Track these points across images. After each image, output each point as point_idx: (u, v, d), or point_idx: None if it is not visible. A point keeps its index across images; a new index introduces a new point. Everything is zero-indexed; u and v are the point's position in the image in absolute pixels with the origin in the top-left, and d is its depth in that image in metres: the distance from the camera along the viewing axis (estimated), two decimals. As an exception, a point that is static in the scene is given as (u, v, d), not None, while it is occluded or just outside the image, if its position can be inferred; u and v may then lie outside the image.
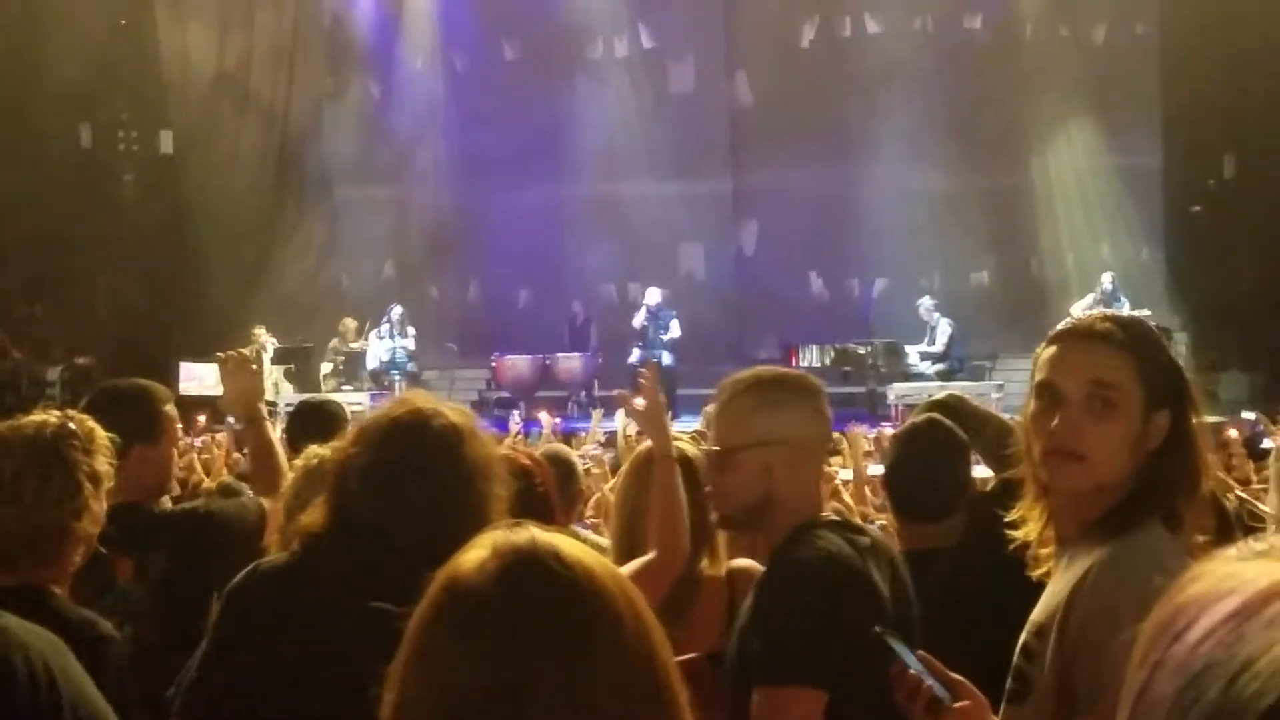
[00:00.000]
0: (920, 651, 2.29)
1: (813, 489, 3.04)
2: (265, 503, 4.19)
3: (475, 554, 1.55)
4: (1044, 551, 2.48)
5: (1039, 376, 2.48)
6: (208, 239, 20.73)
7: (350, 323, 19.56)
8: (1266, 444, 10.62)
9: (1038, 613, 2.41)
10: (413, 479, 2.70)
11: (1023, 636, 2.42)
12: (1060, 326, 2.54)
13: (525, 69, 22.17)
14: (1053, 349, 2.48)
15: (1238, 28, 19.06)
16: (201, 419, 11.97)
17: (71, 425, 3.04)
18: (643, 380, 3.71)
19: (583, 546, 1.59)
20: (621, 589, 1.56)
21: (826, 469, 8.44)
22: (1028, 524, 2.52)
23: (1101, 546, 2.34)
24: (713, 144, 21.83)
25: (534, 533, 1.57)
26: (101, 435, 3.09)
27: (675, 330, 18.66)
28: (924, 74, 20.70)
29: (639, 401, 3.66)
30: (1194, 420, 2.43)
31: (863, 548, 2.83)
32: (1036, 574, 2.48)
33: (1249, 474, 8.61)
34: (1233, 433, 10.17)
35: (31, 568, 2.91)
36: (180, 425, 4.47)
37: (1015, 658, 2.43)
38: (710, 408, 3.61)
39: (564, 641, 1.48)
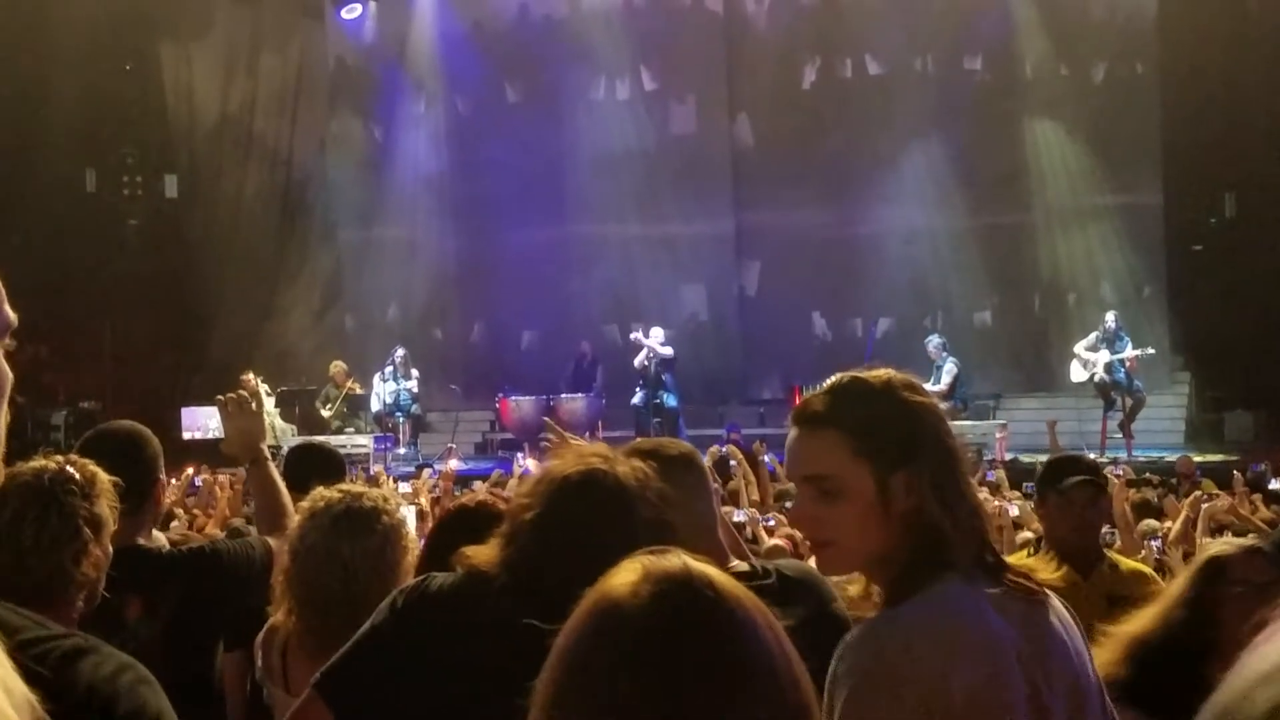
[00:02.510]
0: None
1: (702, 541, 3.02)
2: (271, 542, 4.19)
3: (627, 578, 1.55)
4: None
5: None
6: (212, 282, 20.82)
7: (339, 365, 19.43)
8: (1275, 485, 10.69)
9: None
10: (577, 539, 2.69)
11: None
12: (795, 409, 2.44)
13: (528, 111, 22.25)
14: (788, 435, 2.42)
15: (1237, 67, 19.16)
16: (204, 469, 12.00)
17: (71, 470, 3.00)
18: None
19: (730, 578, 1.59)
20: (769, 623, 1.56)
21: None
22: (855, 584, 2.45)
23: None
24: (715, 185, 21.86)
25: (685, 559, 1.58)
26: (104, 479, 3.05)
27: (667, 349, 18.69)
28: (925, 114, 20.80)
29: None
30: (934, 468, 2.30)
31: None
32: None
33: (1256, 503, 8.68)
34: (1236, 473, 10.22)
35: (34, 609, 2.88)
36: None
37: None
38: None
39: (717, 672, 1.49)
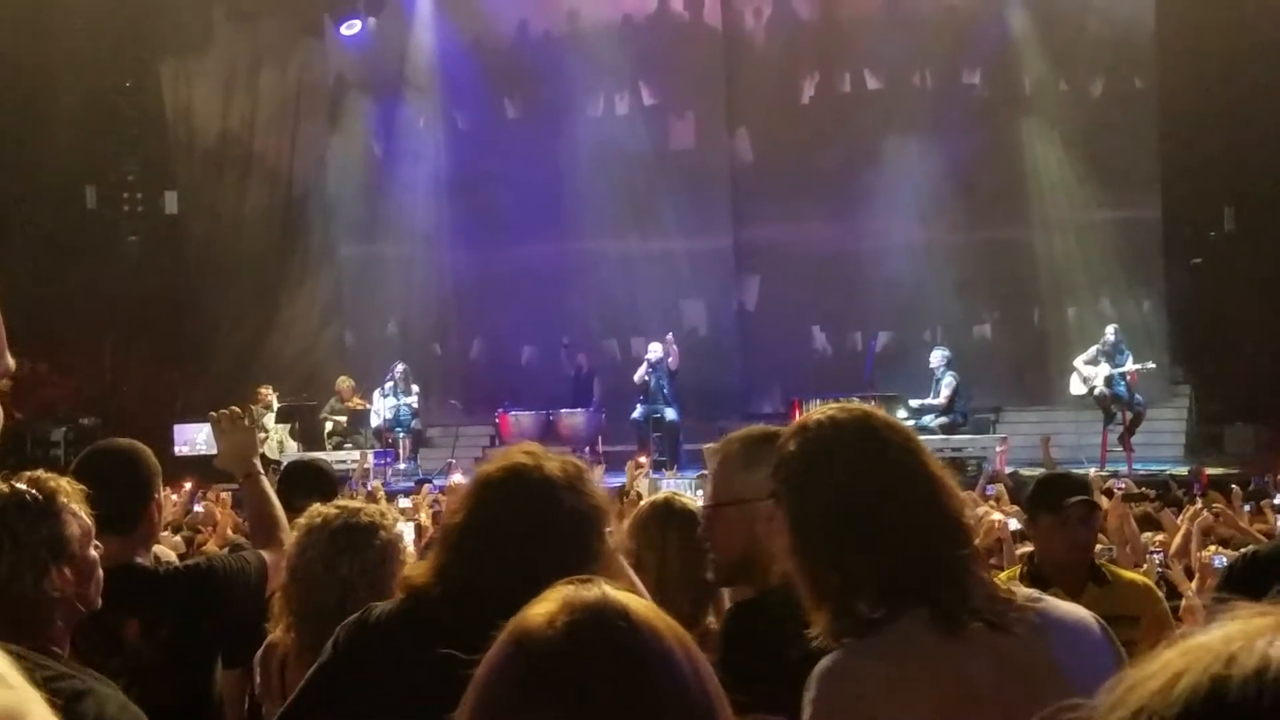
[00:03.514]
0: None
1: None
2: (265, 555, 4.18)
3: (545, 607, 1.56)
4: None
5: None
6: (212, 298, 20.85)
7: (346, 381, 19.51)
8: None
9: None
10: (505, 536, 2.71)
11: None
12: None
13: (527, 127, 22.29)
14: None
15: (1236, 81, 19.17)
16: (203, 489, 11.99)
17: (25, 490, 2.93)
18: None
19: (652, 606, 1.59)
20: (687, 653, 1.55)
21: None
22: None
23: None
24: (714, 199, 21.87)
25: (605, 589, 1.57)
26: (67, 490, 2.99)
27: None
28: (924, 129, 20.84)
29: None
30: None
31: None
32: None
33: (1266, 511, 8.68)
34: (1233, 486, 10.19)
35: (17, 637, 2.74)
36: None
37: None
38: (709, 446, 3.70)
39: (627, 702, 1.48)
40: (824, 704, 2.22)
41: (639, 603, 1.58)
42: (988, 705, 2.23)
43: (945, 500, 2.39)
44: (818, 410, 2.48)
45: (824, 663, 2.26)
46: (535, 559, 2.65)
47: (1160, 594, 5.19)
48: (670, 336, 18.82)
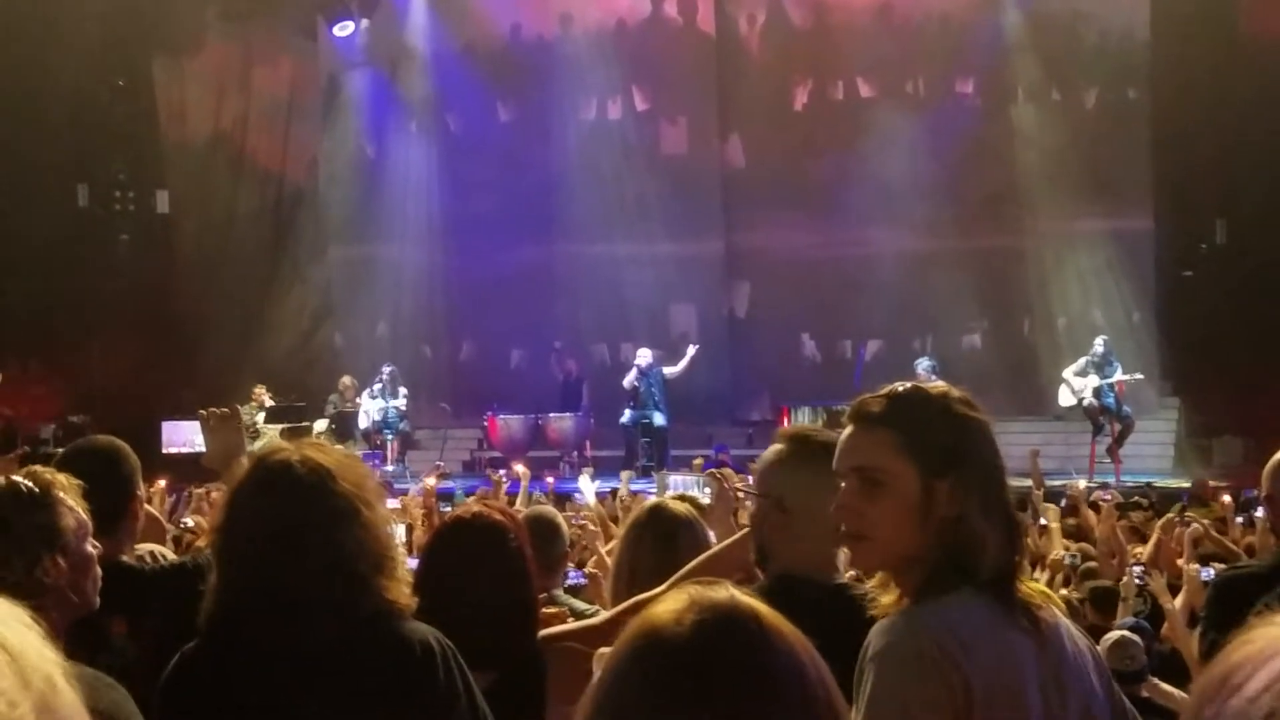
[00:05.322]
0: None
1: (807, 550, 3.03)
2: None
3: (673, 605, 1.55)
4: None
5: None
6: (203, 297, 20.78)
7: (349, 381, 19.51)
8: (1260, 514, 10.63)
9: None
10: (290, 537, 2.69)
11: None
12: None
13: (519, 130, 22.27)
14: (842, 433, 2.53)
15: (1229, 93, 19.21)
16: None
17: (21, 482, 2.95)
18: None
19: (776, 614, 1.59)
20: (813, 659, 1.56)
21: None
22: (888, 593, 2.47)
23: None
24: (705, 206, 21.86)
25: (734, 592, 1.58)
26: (61, 483, 3.00)
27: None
28: (916, 137, 20.79)
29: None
30: (979, 482, 2.40)
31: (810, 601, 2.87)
32: None
33: (1237, 536, 8.66)
34: (1226, 498, 10.18)
35: None
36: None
37: None
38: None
39: (752, 703, 1.48)
40: (901, 649, 2.25)
41: (767, 608, 1.58)
42: (1038, 680, 2.31)
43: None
44: (921, 385, 2.60)
45: (894, 618, 2.32)
46: (304, 548, 2.66)
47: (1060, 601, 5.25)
48: (693, 350, 18.76)
